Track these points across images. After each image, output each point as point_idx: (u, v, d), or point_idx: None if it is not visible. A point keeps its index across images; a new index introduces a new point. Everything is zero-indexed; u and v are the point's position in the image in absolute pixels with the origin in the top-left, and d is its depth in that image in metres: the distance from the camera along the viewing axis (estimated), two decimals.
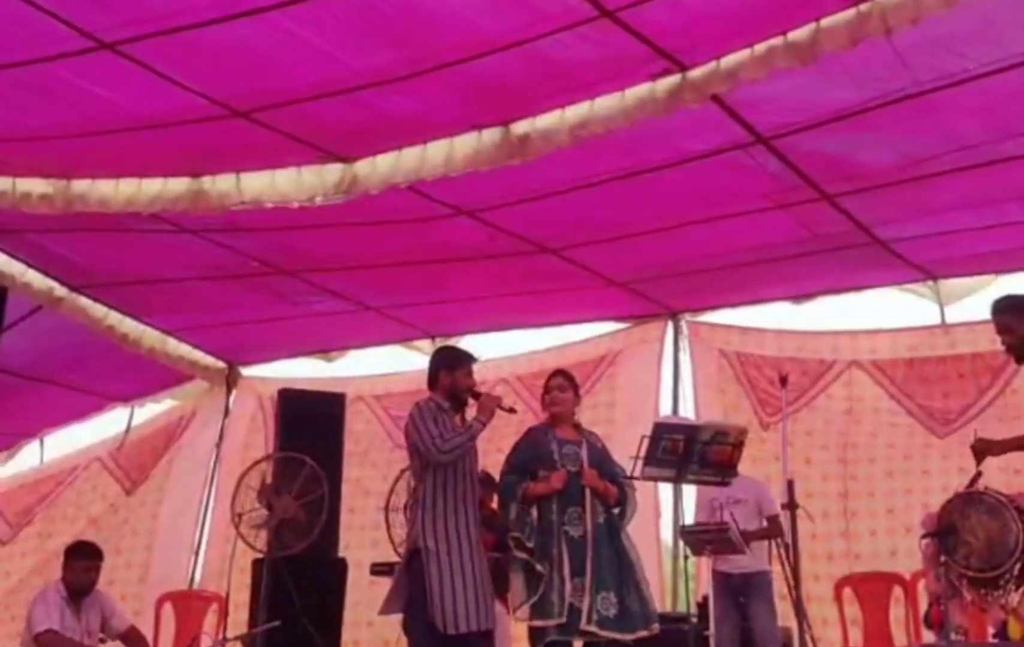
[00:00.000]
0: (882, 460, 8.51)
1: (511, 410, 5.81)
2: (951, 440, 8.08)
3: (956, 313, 8.47)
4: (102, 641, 6.64)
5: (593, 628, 5.38)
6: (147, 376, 10.30)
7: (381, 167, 6.40)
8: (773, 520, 6.85)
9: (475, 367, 5.93)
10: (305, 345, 10.39)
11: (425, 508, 5.58)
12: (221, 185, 6.70)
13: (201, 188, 6.70)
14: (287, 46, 5.22)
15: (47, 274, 8.54)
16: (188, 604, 9.13)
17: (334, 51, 5.27)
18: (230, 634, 7.38)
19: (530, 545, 5.53)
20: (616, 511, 5.73)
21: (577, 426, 5.95)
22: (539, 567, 5.46)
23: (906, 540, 7.29)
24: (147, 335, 9.65)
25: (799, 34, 5.16)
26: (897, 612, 7.82)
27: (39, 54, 5.25)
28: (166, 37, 5.10)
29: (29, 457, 11.22)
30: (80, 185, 6.80)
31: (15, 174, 6.81)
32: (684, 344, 9.39)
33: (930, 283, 8.45)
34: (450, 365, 5.85)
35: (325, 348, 10.44)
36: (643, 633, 5.50)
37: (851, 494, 8.53)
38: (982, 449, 5.58)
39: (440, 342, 10.05)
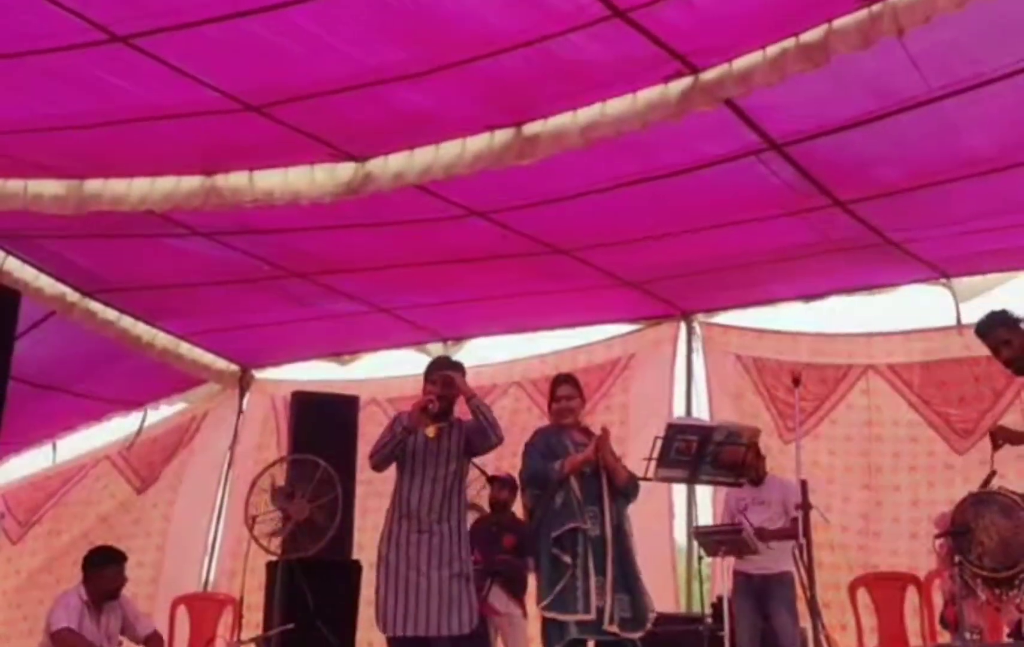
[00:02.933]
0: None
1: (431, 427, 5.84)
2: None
3: (972, 312, 8.27)
4: (120, 645, 6.64)
5: (615, 628, 5.42)
6: (160, 380, 10.31)
7: (393, 165, 6.41)
8: (796, 522, 6.82)
9: (468, 370, 6.18)
10: (318, 348, 10.41)
11: (387, 513, 5.89)
12: (234, 182, 6.70)
13: (214, 185, 6.70)
14: (301, 41, 5.22)
15: (59, 279, 8.55)
16: (203, 606, 9.14)
17: (347, 47, 5.27)
18: (244, 636, 7.38)
19: (557, 533, 5.54)
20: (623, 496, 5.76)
21: (583, 428, 5.99)
22: (565, 558, 5.48)
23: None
24: (160, 339, 9.67)
25: (811, 36, 5.15)
26: (912, 612, 7.79)
27: (51, 45, 5.24)
28: (178, 32, 5.09)
29: (40, 457, 11.21)
30: (93, 184, 6.80)
31: (28, 174, 6.81)
32: (697, 345, 9.37)
33: (944, 280, 8.40)
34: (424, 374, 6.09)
35: (338, 351, 10.45)
36: (642, 631, 5.56)
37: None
38: (1001, 436, 5.60)
39: (452, 345, 10.08)
